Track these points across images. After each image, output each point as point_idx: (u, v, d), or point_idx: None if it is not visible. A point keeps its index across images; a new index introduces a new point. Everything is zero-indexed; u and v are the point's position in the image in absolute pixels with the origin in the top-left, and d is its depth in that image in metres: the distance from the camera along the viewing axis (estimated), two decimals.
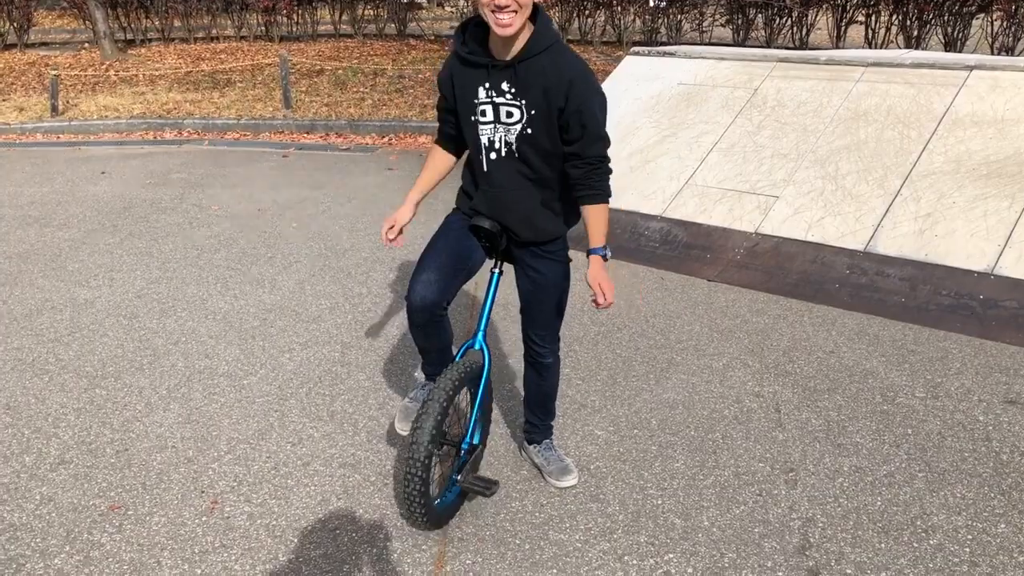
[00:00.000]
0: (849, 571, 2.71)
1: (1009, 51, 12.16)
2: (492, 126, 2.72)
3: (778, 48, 13.03)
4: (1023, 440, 3.44)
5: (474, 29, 2.70)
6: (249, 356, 4.33)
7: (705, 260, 5.47)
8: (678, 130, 6.54)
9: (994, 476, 3.20)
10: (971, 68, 5.78)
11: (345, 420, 3.68)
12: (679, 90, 6.88)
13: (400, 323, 4.69)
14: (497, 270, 2.97)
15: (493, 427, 3.59)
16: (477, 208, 2.87)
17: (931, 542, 2.84)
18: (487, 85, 2.68)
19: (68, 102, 11.43)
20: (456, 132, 2.89)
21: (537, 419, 3.25)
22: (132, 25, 16.65)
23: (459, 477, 2.90)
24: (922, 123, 5.62)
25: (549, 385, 3.16)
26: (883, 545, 2.83)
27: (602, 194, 2.73)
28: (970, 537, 2.87)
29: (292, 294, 5.14)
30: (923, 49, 12.40)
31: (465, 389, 2.91)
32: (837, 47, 13.45)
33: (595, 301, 2.74)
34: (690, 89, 6.85)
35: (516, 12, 2.49)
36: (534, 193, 2.78)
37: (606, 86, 7.39)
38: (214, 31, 17.07)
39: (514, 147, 2.72)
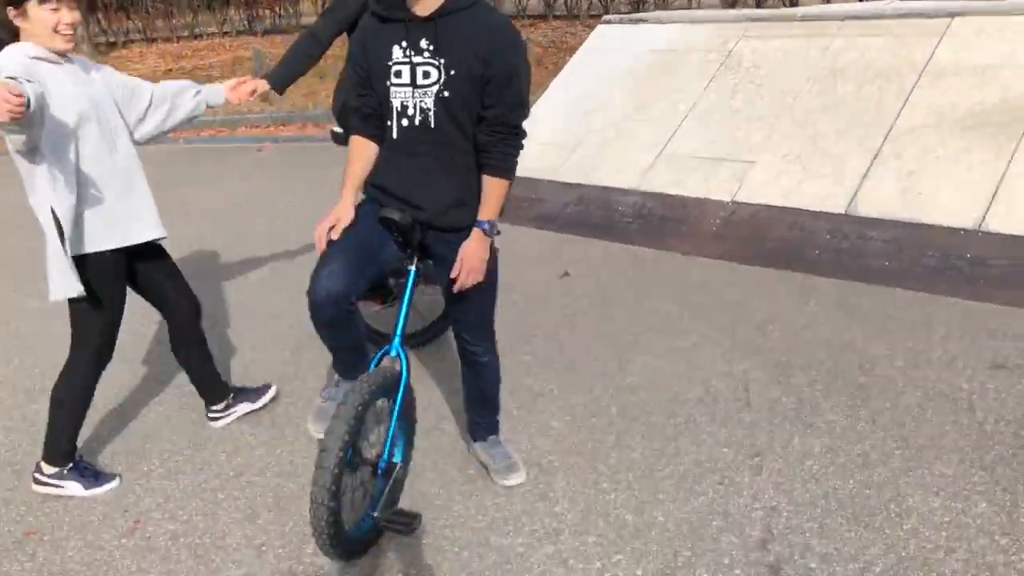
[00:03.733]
0: (813, 565, 2.48)
1: None
2: (407, 89, 2.48)
3: (764, 6, 12.66)
4: (1009, 407, 3.19)
5: None
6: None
7: (680, 233, 5.22)
8: (652, 99, 6.27)
9: (976, 450, 2.95)
10: (954, 15, 5.48)
11: (287, 425, 3.47)
12: (652, 57, 6.60)
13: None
14: (413, 266, 2.65)
15: (442, 425, 3.38)
16: (383, 185, 2.61)
17: (905, 527, 2.61)
18: (404, 44, 2.45)
19: None
20: (373, 109, 2.62)
21: (480, 417, 3.03)
22: (114, 27, 16.45)
23: (375, 513, 2.53)
24: (903, 76, 5.33)
25: (489, 383, 2.93)
26: (852, 534, 2.60)
27: (507, 169, 2.50)
28: (947, 519, 2.63)
29: (253, 291, 4.94)
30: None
31: (381, 401, 2.63)
32: (827, 1, 13.06)
33: (451, 275, 2.51)
34: (663, 56, 6.57)
35: None
36: (450, 167, 2.54)
37: (578, 58, 7.12)
38: (196, 29, 16.85)
39: (430, 112, 2.48)
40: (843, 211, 4.84)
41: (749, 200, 5.20)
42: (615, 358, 3.82)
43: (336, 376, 2.81)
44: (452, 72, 2.42)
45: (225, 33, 16.41)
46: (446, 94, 2.44)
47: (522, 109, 2.49)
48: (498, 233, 2.55)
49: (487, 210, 2.51)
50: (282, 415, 3.55)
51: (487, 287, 2.71)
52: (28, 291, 5.16)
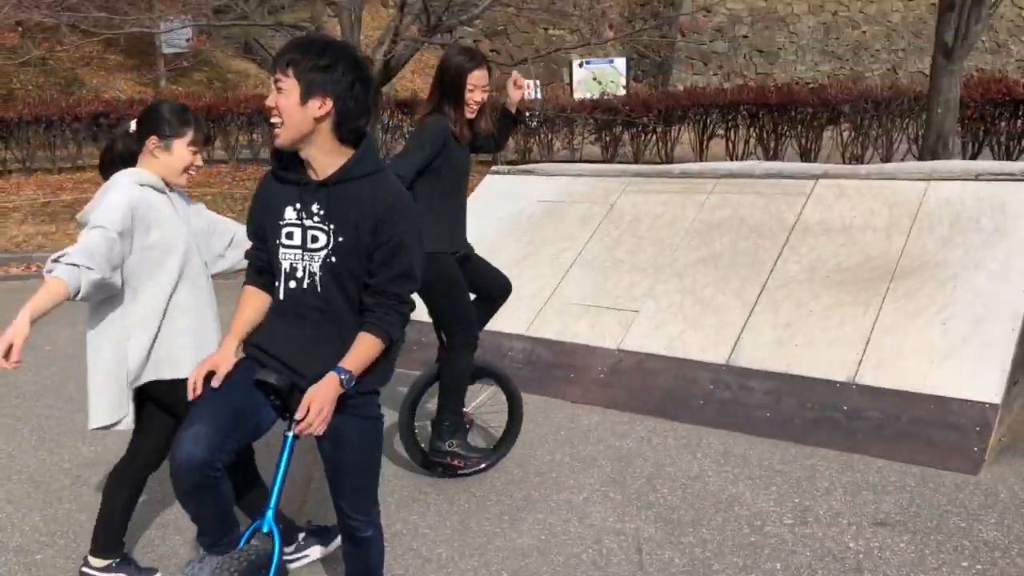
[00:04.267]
0: None
1: (858, 159, 12.81)
2: (297, 251, 2.43)
3: (645, 163, 13.40)
4: (894, 567, 3.22)
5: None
6: (50, 523, 3.77)
7: (569, 380, 5.23)
8: (540, 247, 6.40)
9: None
10: (817, 177, 5.88)
11: None
12: (539, 207, 6.79)
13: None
14: (291, 433, 2.49)
15: None
16: (264, 347, 2.50)
17: None
18: (297, 205, 2.41)
19: None
20: (265, 264, 2.55)
21: None
22: None
23: None
24: (775, 232, 5.63)
25: (373, 559, 2.73)
26: None
27: (385, 332, 2.41)
28: None
29: (115, 445, 4.61)
30: (780, 160, 12.94)
31: None
32: (701, 160, 13.93)
33: (296, 418, 2.36)
34: (550, 206, 6.77)
35: (282, 123, 2.30)
36: (334, 335, 2.45)
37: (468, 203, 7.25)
38: (80, 160, 16.45)
39: (317, 276, 2.41)
40: (724, 362, 4.96)
41: (635, 348, 5.29)
42: (507, 516, 3.70)
43: (201, 551, 2.59)
44: (340, 239, 2.39)
45: None
46: (333, 260, 2.40)
47: (408, 281, 2.44)
48: (352, 386, 2.38)
49: (349, 360, 2.37)
50: None
51: (369, 456, 2.58)
52: None
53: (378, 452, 2.61)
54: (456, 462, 3.99)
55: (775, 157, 13.29)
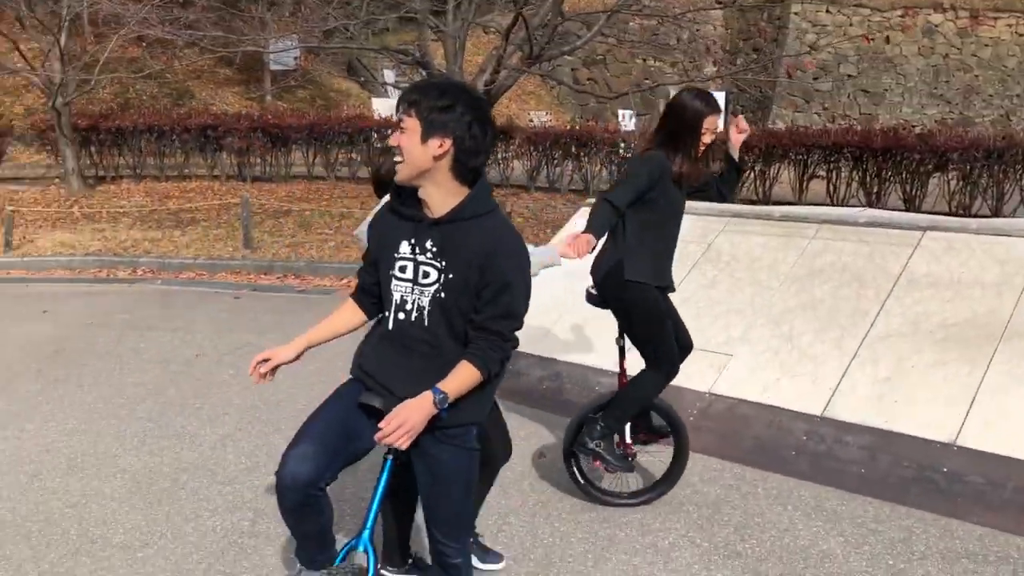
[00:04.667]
0: None
1: (966, 210, 12.37)
2: (408, 285, 2.51)
3: (742, 201, 13.22)
4: None
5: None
6: (151, 523, 3.93)
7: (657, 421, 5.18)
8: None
9: None
10: (924, 229, 5.71)
11: None
12: None
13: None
14: (391, 456, 2.59)
15: None
16: (371, 372, 2.58)
17: None
18: (412, 240, 2.49)
19: (24, 237, 11.25)
20: (371, 286, 2.67)
21: None
22: (104, 162, 16.73)
23: None
24: (878, 283, 5.49)
25: None
26: None
27: (485, 365, 2.46)
28: None
29: (212, 451, 4.77)
30: (882, 206, 12.61)
31: None
32: (800, 201, 13.67)
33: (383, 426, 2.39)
34: None
35: (403, 160, 2.37)
36: (438, 368, 2.50)
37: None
38: (187, 170, 17.17)
39: (426, 311, 2.49)
40: (819, 413, 4.84)
41: (727, 393, 5.21)
42: (591, 554, 3.69)
43: (298, 565, 2.67)
44: (450, 276, 2.45)
45: (215, 177, 16.73)
46: (442, 295, 2.46)
47: (513, 320, 2.49)
48: (444, 409, 2.42)
49: (446, 382, 2.42)
50: None
51: (465, 484, 2.63)
52: None
53: (472, 483, 2.66)
54: (597, 463, 4.01)
55: (878, 202, 12.95)
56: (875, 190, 13.17)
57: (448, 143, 2.40)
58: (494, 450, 3.37)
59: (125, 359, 6.48)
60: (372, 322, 2.73)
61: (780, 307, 5.64)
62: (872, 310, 5.33)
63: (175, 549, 3.69)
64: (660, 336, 3.91)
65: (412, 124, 2.39)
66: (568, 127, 17.45)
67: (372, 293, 2.68)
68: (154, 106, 20.16)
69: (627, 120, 21.58)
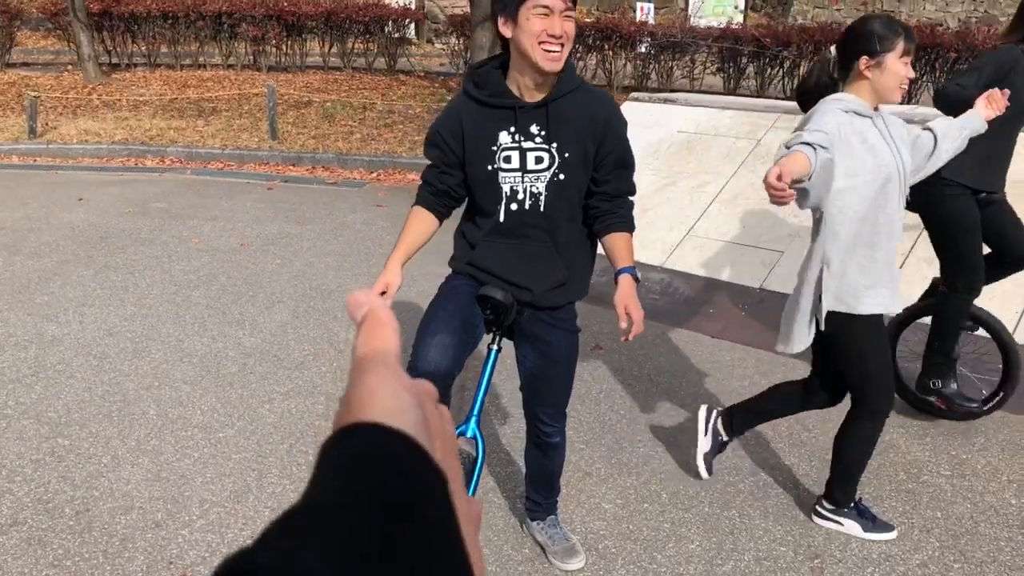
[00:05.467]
0: None
1: None
2: (516, 174, 2.48)
3: (769, 98, 13.00)
4: None
5: (490, 72, 2.48)
6: (226, 405, 4.03)
7: (708, 315, 5.24)
8: (678, 179, 6.35)
9: None
10: None
11: None
12: (679, 138, 6.71)
13: None
14: (496, 346, 2.65)
15: (491, 497, 3.31)
16: (485, 266, 2.59)
17: None
18: (512, 129, 2.46)
19: (47, 124, 11.12)
20: (450, 188, 2.59)
21: (540, 497, 2.98)
22: (118, 49, 16.39)
23: None
24: None
25: (555, 464, 2.90)
26: None
27: (631, 224, 2.55)
28: None
29: (274, 337, 4.85)
30: (915, 103, 12.40)
31: None
32: None
33: (621, 327, 2.45)
34: (690, 137, 6.68)
35: (563, 46, 2.32)
36: (555, 250, 2.55)
37: None
38: (201, 58, 16.83)
39: (541, 197, 2.49)
40: None
41: (777, 289, 5.26)
42: (660, 441, 3.79)
43: None
44: (566, 155, 2.44)
45: (230, 66, 16.41)
46: (561, 177, 2.46)
47: (633, 175, 2.56)
48: (637, 280, 2.52)
49: (626, 258, 2.49)
50: None
51: (571, 366, 2.70)
52: (43, 315, 5.03)
53: (575, 364, 2.72)
54: (940, 403, 3.90)
55: (910, 100, 12.72)
56: (909, 88, 12.93)
57: None
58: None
59: (171, 247, 6.51)
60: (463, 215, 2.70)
61: None
62: None
63: (255, 430, 3.80)
64: (969, 250, 3.63)
65: (574, 11, 2.34)
66: (590, 20, 17.01)
67: (449, 195, 2.61)
68: None
69: (646, 14, 21.19)
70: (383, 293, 2.49)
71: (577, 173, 2.46)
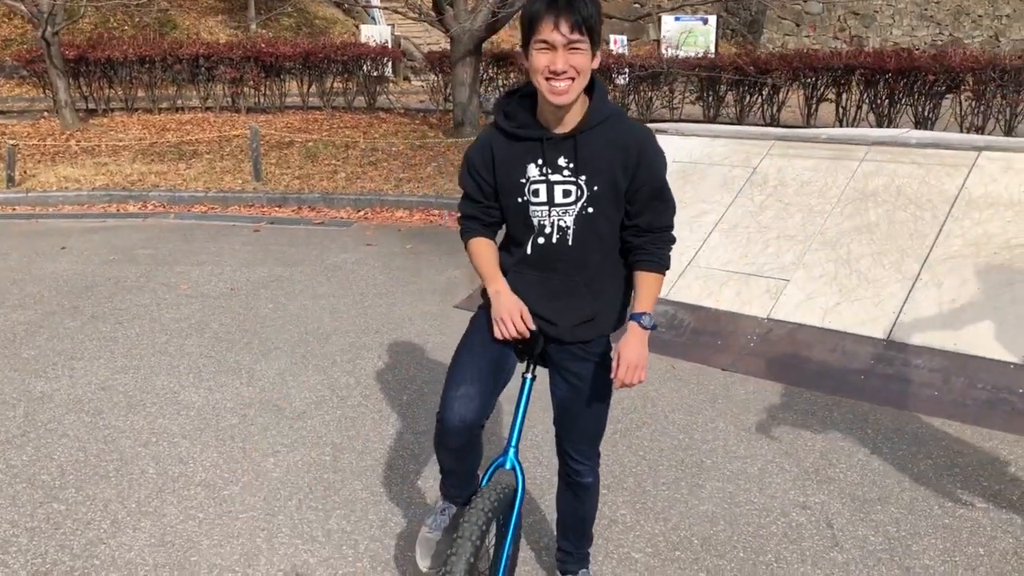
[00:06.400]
0: None
1: (979, 130, 12.28)
2: (544, 208, 2.38)
3: (749, 125, 13.04)
4: None
5: (519, 101, 2.38)
6: (229, 460, 3.86)
7: (716, 347, 5.14)
8: (676, 208, 6.27)
9: None
10: (980, 149, 5.62)
11: (344, 541, 3.22)
12: (674, 167, 6.64)
13: (396, 421, 4.26)
14: (530, 375, 2.54)
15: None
16: None
17: None
18: (540, 161, 2.35)
19: (25, 172, 10.93)
20: (498, 220, 2.51)
21: (572, 546, 2.84)
22: (94, 94, 16.23)
23: None
24: (935, 204, 5.42)
25: (588, 508, 2.76)
26: None
27: (662, 263, 2.42)
28: None
29: (273, 386, 4.69)
30: (896, 127, 12.48)
31: (496, 519, 2.44)
32: (808, 125, 13.51)
33: (615, 375, 2.31)
34: (685, 167, 6.62)
35: (573, 80, 2.21)
36: (582, 286, 2.43)
37: None
38: (179, 101, 16.71)
39: (569, 230, 2.38)
40: (885, 337, 4.82)
41: (785, 318, 5.17)
42: (684, 481, 3.66)
43: (440, 502, 2.61)
44: (595, 188, 2.34)
45: (208, 108, 16.30)
46: (590, 210, 2.35)
47: (672, 210, 2.44)
48: (654, 327, 2.40)
49: (643, 303, 2.37)
50: (336, 530, 3.30)
51: (603, 401, 2.58)
52: (31, 371, 4.84)
53: (609, 399, 2.60)
54: None
55: (889, 124, 12.81)
56: (886, 112, 13.02)
57: (598, 55, 2.28)
58: None
59: (159, 294, 6.34)
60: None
61: (834, 231, 5.57)
62: (931, 232, 5.27)
63: (261, 486, 3.63)
64: None
65: (586, 45, 2.22)
66: None
67: (495, 225, 2.54)
68: (140, 36, 19.54)
69: (618, 46, 21.52)
70: (521, 317, 2.39)
71: (607, 207, 2.35)
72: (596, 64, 2.27)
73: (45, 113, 15.62)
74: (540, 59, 2.22)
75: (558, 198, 2.37)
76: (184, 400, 4.50)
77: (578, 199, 2.35)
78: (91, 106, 16.25)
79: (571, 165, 2.35)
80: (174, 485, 3.64)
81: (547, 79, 2.21)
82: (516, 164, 2.40)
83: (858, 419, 4.27)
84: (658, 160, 2.37)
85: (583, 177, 2.34)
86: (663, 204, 2.39)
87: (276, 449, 3.96)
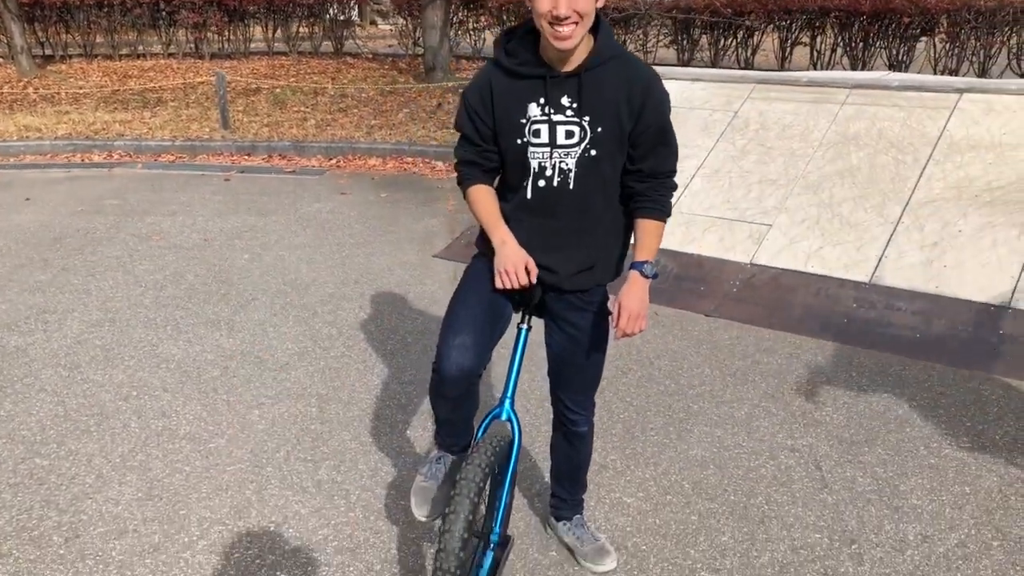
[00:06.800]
0: None
1: (953, 72, 12.29)
2: (545, 149, 2.30)
3: (723, 68, 12.95)
4: None
5: (523, 37, 2.29)
6: (213, 413, 3.80)
7: (699, 293, 5.14)
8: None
9: None
10: (961, 91, 5.61)
11: (335, 491, 3.20)
12: None
13: (381, 371, 4.22)
14: (526, 326, 2.49)
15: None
16: None
17: None
18: (542, 100, 2.27)
19: None
20: (495, 166, 2.43)
21: (567, 493, 2.84)
22: (51, 40, 15.72)
23: None
24: (916, 147, 5.41)
25: (582, 456, 2.75)
26: None
27: (664, 211, 2.36)
28: None
29: (253, 337, 4.62)
30: (870, 69, 12.45)
31: (492, 471, 2.42)
32: (783, 68, 13.45)
33: (616, 325, 2.28)
34: None
35: (577, 24, 2.12)
36: (584, 231, 2.38)
37: None
38: (140, 48, 16.24)
39: (570, 173, 2.31)
40: (867, 280, 4.84)
41: (769, 263, 5.17)
42: (672, 426, 3.67)
43: (434, 451, 2.58)
44: (599, 130, 2.27)
45: (171, 55, 15.87)
46: (592, 153, 2.28)
47: (675, 155, 2.37)
48: (656, 276, 2.36)
49: (645, 251, 2.31)
50: (327, 481, 3.27)
51: (600, 351, 2.55)
52: (2, 324, 4.72)
53: (606, 350, 2.57)
54: None
55: (863, 67, 12.78)
56: (860, 55, 12.99)
57: None
58: None
59: (131, 245, 6.20)
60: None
61: (816, 175, 5.55)
62: (912, 175, 5.28)
63: (247, 439, 3.58)
64: None
65: None
66: None
67: (494, 171, 2.45)
68: None
69: None
70: (526, 269, 2.31)
71: (611, 149, 2.29)
72: (601, 3, 2.19)
73: (1, 60, 15.11)
74: (544, 3, 2.12)
75: (560, 139, 2.29)
76: (163, 353, 4.42)
77: (581, 140, 2.28)
78: (48, 52, 15.76)
79: (574, 105, 2.27)
80: (158, 439, 3.58)
81: (550, 23, 2.13)
82: (517, 103, 2.31)
83: (842, 362, 4.30)
84: (664, 102, 2.29)
85: (587, 118, 2.27)
86: (666, 148, 2.32)
87: (260, 401, 3.91)
